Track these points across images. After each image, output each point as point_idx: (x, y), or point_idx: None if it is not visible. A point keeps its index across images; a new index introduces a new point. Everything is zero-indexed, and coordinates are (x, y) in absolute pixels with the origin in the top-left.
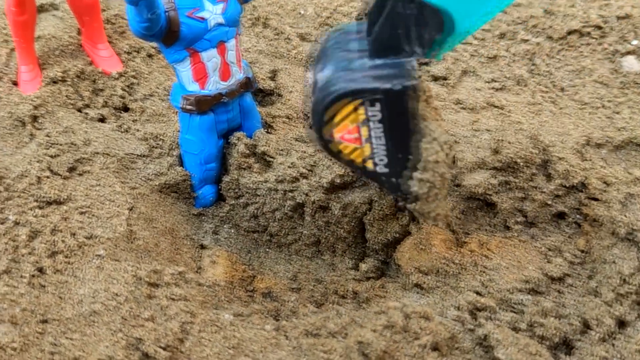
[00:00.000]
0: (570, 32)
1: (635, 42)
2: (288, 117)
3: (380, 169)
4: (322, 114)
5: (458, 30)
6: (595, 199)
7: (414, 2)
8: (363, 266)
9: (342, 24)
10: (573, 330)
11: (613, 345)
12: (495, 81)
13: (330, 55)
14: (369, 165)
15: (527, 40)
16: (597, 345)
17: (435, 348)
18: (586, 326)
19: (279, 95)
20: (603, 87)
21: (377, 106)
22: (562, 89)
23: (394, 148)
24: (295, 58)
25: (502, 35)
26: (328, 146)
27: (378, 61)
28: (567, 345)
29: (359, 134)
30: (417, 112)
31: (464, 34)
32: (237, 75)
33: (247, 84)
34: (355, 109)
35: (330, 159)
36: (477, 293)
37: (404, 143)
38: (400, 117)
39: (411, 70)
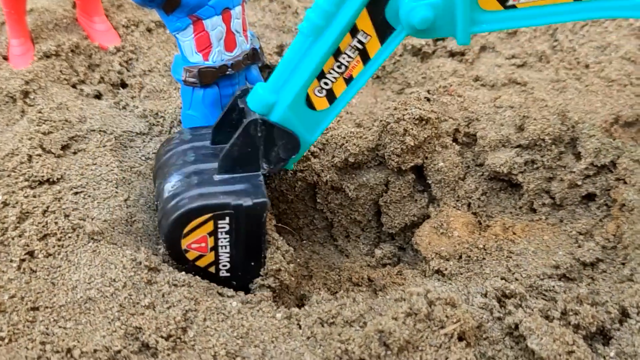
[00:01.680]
0: None
1: None
2: None
3: (223, 273)
4: (171, 226)
5: (302, 146)
6: (624, 182)
7: (265, 124)
8: (378, 252)
9: (177, 132)
10: (611, 318)
11: None
12: (516, 57)
13: (171, 165)
14: (212, 270)
15: None
16: (637, 335)
17: (461, 338)
18: (624, 314)
19: None
20: (630, 63)
21: (226, 219)
22: (587, 66)
23: (239, 256)
24: None
25: None
26: (178, 255)
27: (226, 175)
28: (604, 335)
29: (205, 243)
30: (264, 225)
31: (307, 147)
32: (243, 45)
33: (254, 56)
34: (205, 222)
35: (176, 264)
36: (504, 279)
37: (249, 252)
38: (247, 229)
39: (260, 186)
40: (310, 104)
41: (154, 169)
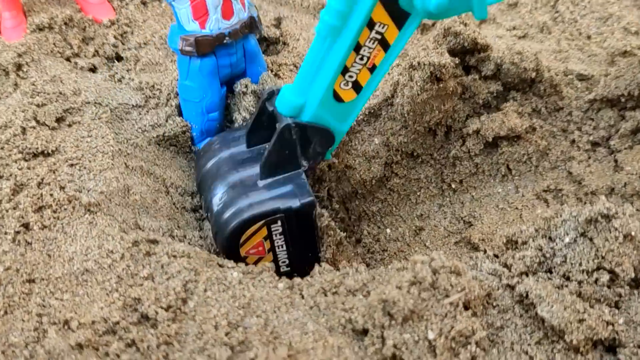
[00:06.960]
0: None
1: None
2: (295, 65)
3: (283, 269)
4: (227, 240)
5: (337, 136)
6: None
7: (298, 126)
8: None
9: (212, 139)
10: None
11: None
12: (517, 29)
13: (214, 176)
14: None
15: None
16: None
17: (467, 307)
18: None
19: (285, 43)
20: (633, 35)
21: (278, 222)
22: (589, 37)
23: (296, 251)
24: (300, 5)
25: None
26: (238, 261)
27: (269, 179)
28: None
29: (262, 247)
30: (316, 220)
31: (341, 136)
32: (241, 14)
33: (252, 25)
34: (259, 229)
35: None
36: None
37: (305, 245)
38: (299, 227)
39: (305, 185)
40: (338, 98)
41: (197, 180)
